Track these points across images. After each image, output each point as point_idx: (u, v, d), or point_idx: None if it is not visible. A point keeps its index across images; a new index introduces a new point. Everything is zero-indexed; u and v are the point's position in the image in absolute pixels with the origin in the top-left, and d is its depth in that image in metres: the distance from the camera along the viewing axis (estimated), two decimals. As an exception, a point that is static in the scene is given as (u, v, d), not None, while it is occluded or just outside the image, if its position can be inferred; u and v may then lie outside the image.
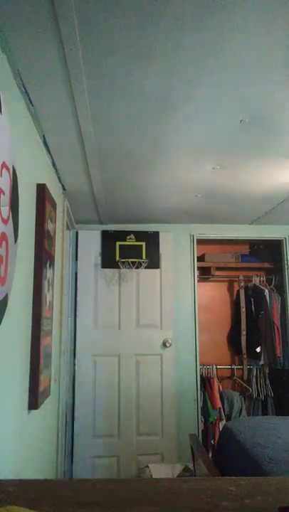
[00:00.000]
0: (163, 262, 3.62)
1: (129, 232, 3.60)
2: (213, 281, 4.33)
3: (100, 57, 1.33)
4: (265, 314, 3.91)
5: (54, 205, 2.14)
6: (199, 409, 3.57)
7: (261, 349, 3.87)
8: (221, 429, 3.15)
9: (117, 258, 3.51)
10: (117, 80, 1.46)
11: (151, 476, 2.98)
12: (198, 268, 3.92)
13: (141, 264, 3.50)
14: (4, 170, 1.07)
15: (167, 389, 3.49)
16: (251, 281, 4.13)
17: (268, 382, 4.02)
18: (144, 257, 3.53)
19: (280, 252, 3.88)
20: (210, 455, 3.28)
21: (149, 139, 1.97)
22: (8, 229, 1.15)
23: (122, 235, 3.59)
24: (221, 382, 4.01)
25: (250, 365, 4.06)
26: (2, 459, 1.30)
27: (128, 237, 3.58)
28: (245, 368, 4.04)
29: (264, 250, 4.29)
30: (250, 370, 4.06)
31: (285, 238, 3.83)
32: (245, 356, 4.03)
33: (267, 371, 4.05)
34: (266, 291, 3.99)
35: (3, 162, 1.06)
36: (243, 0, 1.09)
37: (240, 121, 1.77)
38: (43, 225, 1.82)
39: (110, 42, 1.25)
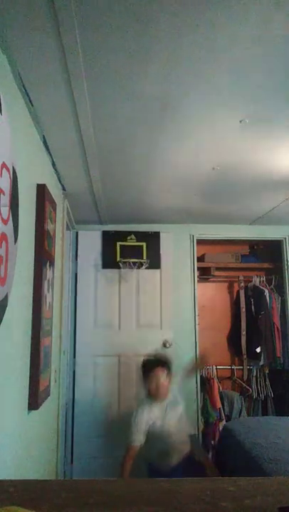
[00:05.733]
0: (163, 262, 3.62)
1: (129, 233, 3.59)
2: (213, 281, 4.33)
3: (99, 57, 1.33)
4: (265, 314, 3.91)
5: (54, 205, 2.14)
6: (199, 410, 3.56)
7: (261, 349, 3.87)
8: (221, 430, 3.15)
9: (118, 258, 3.51)
10: (117, 80, 1.46)
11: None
12: (198, 268, 3.92)
13: (142, 265, 3.50)
14: (4, 170, 1.07)
15: (167, 389, 3.48)
16: (251, 281, 4.12)
17: (267, 382, 4.02)
18: (144, 257, 3.53)
19: (280, 252, 3.88)
20: (210, 455, 3.27)
21: (149, 138, 1.96)
22: (8, 229, 1.15)
23: (123, 235, 3.59)
24: (221, 383, 4.01)
25: (250, 366, 4.05)
26: (2, 460, 1.30)
27: (129, 238, 3.58)
28: (245, 368, 4.04)
29: (264, 250, 4.29)
30: (250, 371, 4.06)
31: (285, 238, 3.83)
32: (245, 356, 4.03)
33: (267, 371, 4.04)
34: (266, 291, 3.99)
35: (3, 162, 1.06)
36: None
37: (240, 121, 1.77)
38: (43, 225, 1.82)
39: (110, 41, 1.25)
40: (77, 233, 3.61)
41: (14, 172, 1.20)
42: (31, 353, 1.71)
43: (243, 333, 4.04)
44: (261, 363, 3.91)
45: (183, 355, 3.55)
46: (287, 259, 3.83)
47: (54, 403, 2.36)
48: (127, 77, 1.44)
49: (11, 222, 1.17)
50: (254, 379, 4.03)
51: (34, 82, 1.47)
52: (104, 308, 3.55)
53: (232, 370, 4.13)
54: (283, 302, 3.96)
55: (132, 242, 3.57)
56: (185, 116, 1.74)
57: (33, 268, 1.76)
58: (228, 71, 1.41)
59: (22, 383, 1.58)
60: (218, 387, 3.88)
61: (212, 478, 1.67)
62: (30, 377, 1.68)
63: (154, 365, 2.49)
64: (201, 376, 3.76)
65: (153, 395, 2.43)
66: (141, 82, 1.48)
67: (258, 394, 3.99)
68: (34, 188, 1.80)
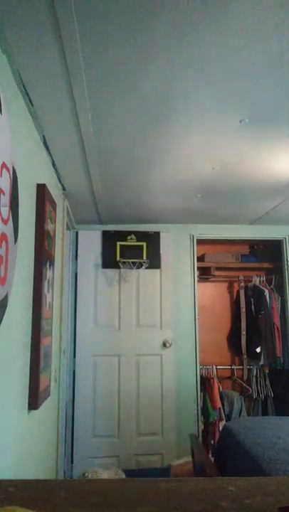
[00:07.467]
0: (163, 262, 3.62)
1: (129, 233, 3.59)
2: (213, 281, 4.33)
3: (100, 57, 1.33)
4: (265, 314, 3.91)
5: (54, 205, 2.14)
6: (199, 409, 3.56)
7: (261, 349, 3.87)
8: (221, 429, 3.15)
9: (118, 258, 3.51)
10: (117, 80, 1.46)
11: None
12: (198, 268, 3.92)
13: (142, 265, 3.50)
14: (4, 170, 1.07)
15: (167, 389, 3.49)
16: (251, 281, 4.13)
17: (267, 382, 4.02)
18: (144, 257, 3.53)
19: (280, 252, 3.88)
20: (210, 455, 3.27)
21: (149, 138, 1.96)
22: (8, 229, 1.15)
23: (123, 235, 3.59)
24: (221, 383, 4.01)
25: (250, 366, 4.06)
26: (2, 459, 1.30)
27: (129, 238, 3.58)
28: (245, 368, 4.04)
29: (264, 250, 4.29)
30: (250, 370, 4.06)
31: (285, 238, 3.83)
32: (245, 356, 4.03)
33: (267, 371, 4.05)
34: (266, 291, 3.99)
35: (3, 162, 1.06)
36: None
37: (240, 121, 1.77)
38: (43, 225, 1.82)
39: (110, 42, 1.25)
40: (77, 233, 3.61)
41: (14, 172, 1.20)
42: (31, 353, 1.71)
43: (243, 333, 4.04)
44: (261, 362, 3.91)
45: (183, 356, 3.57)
46: (287, 259, 3.83)
47: (54, 403, 2.36)
48: (127, 77, 1.44)
49: (11, 222, 1.17)
50: (254, 379, 4.03)
51: (34, 82, 1.47)
52: (104, 308, 3.55)
53: (232, 369, 4.13)
54: (283, 302, 3.96)
55: (132, 242, 3.57)
56: (185, 116, 1.74)
57: (33, 268, 1.76)
58: (229, 71, 1.41)
59: (22, 383, 1.58)
60: (218, 387, 3.88)
61: (212, 478, 1.67)
62: (30, 377, 1.68)
63: None
64: (201, 376, 3.76)
65: None
66: (141, 82, 1.48)
67: (258, 394, 3.99)
68: (34, 188, 1.80)
